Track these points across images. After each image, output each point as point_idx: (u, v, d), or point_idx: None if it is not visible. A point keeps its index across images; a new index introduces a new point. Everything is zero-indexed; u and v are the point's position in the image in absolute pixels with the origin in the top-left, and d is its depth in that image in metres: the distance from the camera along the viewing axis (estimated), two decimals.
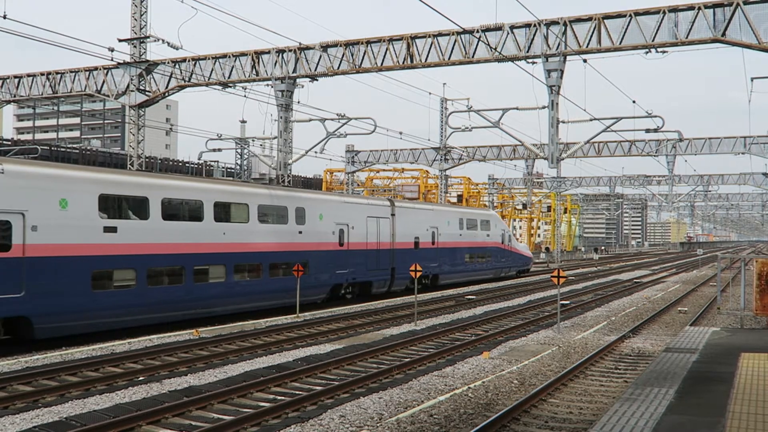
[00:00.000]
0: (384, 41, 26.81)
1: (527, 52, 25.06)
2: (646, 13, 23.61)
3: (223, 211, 21.69)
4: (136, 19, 29.31)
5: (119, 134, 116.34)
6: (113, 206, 18.39)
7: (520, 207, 70.22)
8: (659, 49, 23.66)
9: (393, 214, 30.78)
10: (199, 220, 20.78)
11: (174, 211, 20.02)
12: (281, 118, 29.22)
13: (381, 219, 29.77)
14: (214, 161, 38.06)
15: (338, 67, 27.53)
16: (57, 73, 32.66)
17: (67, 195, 17.10)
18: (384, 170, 59.52)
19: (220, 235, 21.33)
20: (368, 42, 27.09)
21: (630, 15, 23.75)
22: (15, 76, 33.69)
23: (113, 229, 18.14)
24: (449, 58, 25.97)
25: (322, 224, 26.01)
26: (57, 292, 16.66)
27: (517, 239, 47.48)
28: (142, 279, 18.77)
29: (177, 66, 29.93)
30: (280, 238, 23.88)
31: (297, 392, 12.43)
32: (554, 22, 24.79)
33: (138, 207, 18.99)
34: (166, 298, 19.55)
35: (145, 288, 18.85)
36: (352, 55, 27.27)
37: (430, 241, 33.71)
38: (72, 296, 17.06)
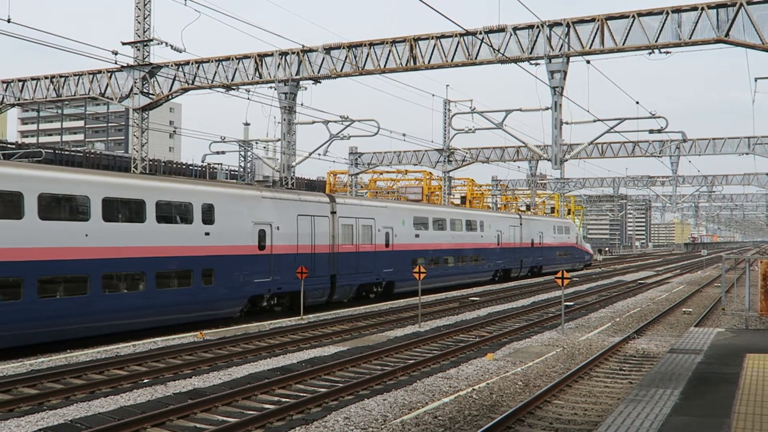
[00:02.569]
0: (387, 43, 26.82)
1: (530, 53, 25.06)
2: (650, 13, 23.59)
3: (462, 226, 37.36)
4: (139, 22, 29.38)
5: (123, 137, 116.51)
6: (417, 223, 32.42)
7: (523, 208, 70.19)
8: (662, 50, 23.63)
9: (521, 224, 44.91)
10: (443, 230, 35.28)
11: (437, 225, 34.65)
12: (284, 120, 29.25)
13: (515, 227, 43.94)
14: (218, 164, 38.11)
15: (341, 69, 27.55)
16: (61, 76, 32.75)
17: (404, 217, 31.30)
18: (387, 172, 59.51)
19: (450, 238, 35.83)
20: (371, 44, 27.10)
21: (633, 16, 23.73)
22: (19, 80, 33.79)
23: (418, 236, 32.35)
24: (452, 60, 25.97)
25: (490, 231, 40.35)
26: (401, 269, 30.33)
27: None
28: (426, 262, 32.56)
29: (180, 69, 29.98)
30: (475, 240, 38.64)
31: (301, 394, 12.43)
32: (557, 24, 24.78)
33: (424, 223, 33.21)
34: (437, 273, 33.85)
35: (428, 267, 30.19)
36: (355, 57, 27.29)
37: (539, 241, 48.07)
38: (405, 271, 29.97)
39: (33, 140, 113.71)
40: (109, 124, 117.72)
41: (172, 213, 19.98)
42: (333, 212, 26.39)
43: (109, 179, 18.51)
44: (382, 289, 29.71)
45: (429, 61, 26.23)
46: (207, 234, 20.68)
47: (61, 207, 17.06)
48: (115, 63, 25.93)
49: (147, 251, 18.82)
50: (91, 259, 17.32)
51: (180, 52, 27.72)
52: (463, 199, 61.34)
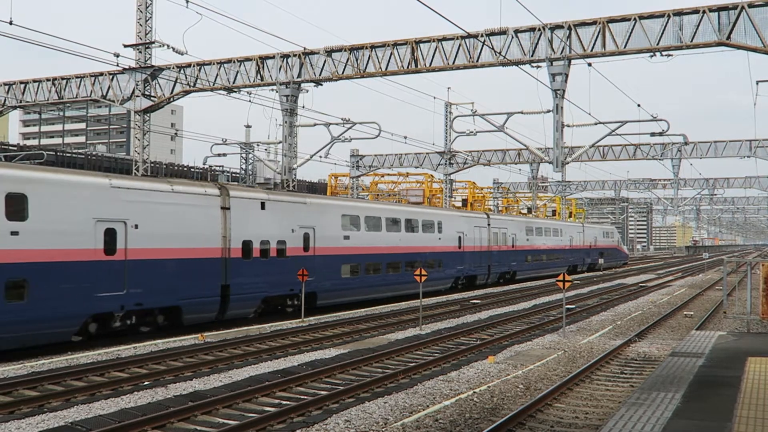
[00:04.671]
0: (388, 46, 26.84)
1: (532, 56, 25.06)
2: (651, 16, 23.60)
3: (551, 232, 50.88)
4: (141, 25, 29.41)
5: (124, 139, 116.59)
6: (528, 230, 45.12)
7: (525, 211, 70.17)
8: (664, 53, 23.63)
9: (583, 230, 59.03)
10: (541, 236, 47.81)
11: (538, 232, 47.19)
12: (286, 122, 29.27)
13: (580, 232, 58.03)
14: (219, 166, 38.12)
15: (342, 72, 27.57)
16: (63, 78, 32.79)
17: (521, 227, 44.22)
18: (389, 174, 59.56)
19: (544, 241, 48.83)
20: (373, 47, 27.12)
21: (635, 19, 23.74)
22: (21, 82, 33.83)
23: (528, 240, 44.82)
24: (454, 63, 25.99)
25: (565, 236, 53.89)
26: (520, 262, 43.45)
27: None
28: (533, 258, 46.01)
29: (182, 71, 30.02)
30: (557, 243, 51.50)
31: (302, 397, 12.41)
32: (559, 26, 24.80)
33: (531, 230, 45.85)
34: (537, 266, 47.19)
35: (532, 262, 45.67)
36: (357, 59, 27.31)
37: (594, 244, 61.87)
38: (523, 264, 44.08)
39: (35, 142, 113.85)
40: (111, 126, 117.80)
41: (427, 227, 32.83)
42: (488, 224, 39.35)
43: (408, 209, 32.52)
44: (510, 276, 42.38)
45: (430, 64, 26.24)
46: (439, 239, 33.73)
47: (391, 224, 30.13)
48: (117, 65, 25.94)
49: (419, 249, 31.99)
50: (403, 253, 30.59)
51: (182, 54, 27.75)
52: (465, 201, 61.30)
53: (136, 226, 18.24)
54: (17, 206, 15.64)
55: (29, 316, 15.75)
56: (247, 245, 21.84)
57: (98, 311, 17.42)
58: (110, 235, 17.65)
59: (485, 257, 38.54)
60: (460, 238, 35.58)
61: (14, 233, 15.54)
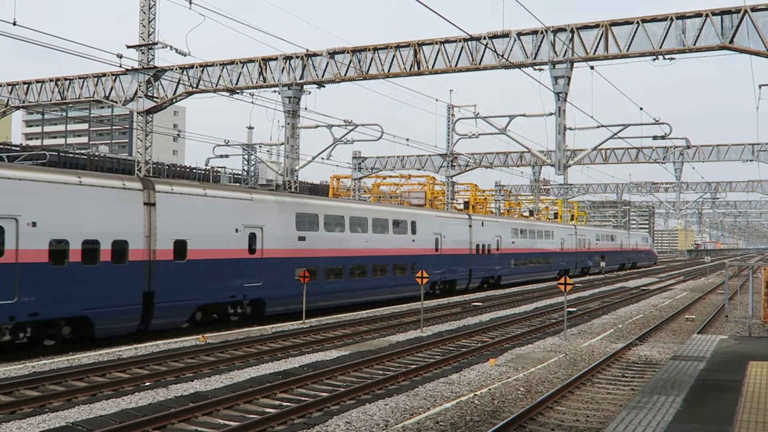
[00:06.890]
0: (391, 48, 26.86)
1: (534, 58, 25.04)
2: (654, 20, 23.57)
3: (612, 237, 69.60)
4: (144, 26, 29.45)
5: (127, 140, 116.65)
6: (597, 236, 63.11)
7: (527, 214, 70.11)
8: (667, 56, 23.59)
9: (629, 236, 74.44)
10: (607, 241, 67.34)
11: (604, 237, 65.59)
12: (288, 124, 29.28)
13: (627, 237, 73.64)
14: (221, 167, 38.15)
15: (345, 74, 27.57)
16: (66, 79, 32.83)
17: (593, 234, 62.21)
18: (391, 177, 59.52)
19: (606, 244, 67.01)
20: (375, 48, 27.13)
21: (637, 22, 23.72)
22: (24, 82, 33.87)
23: (597, 243, 63.04)
24: (456, 65, 25.97)
25: (618, 240, 70.05)
26: (593, 260, 61.79)
27: None
28: (600, 257, 63.34)
29: (185, 72, 30.04)
30: (615, 246, 69.60)
31: (303, 398, 12.42)
32: (561, 29, 24.79)
33: (600, 237, 64.07)
34: (598, 263, 63.54)
35: (599, 260, 63.69)
36: (359, 61, 27.32)
37: (635, 246, 78.07)
38: (592, 262, 61.58)
39: (37, 143, 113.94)
40: (113, 127, 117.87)
41: (547, 235, 49.02)
42: (576, 233, 55.85)
43: (537, 223, 47.33)
44: (586, 270, 58.35)
45: (433, 66, 26.23)
46: (552, 242, 50.23)
47: (529, 233, 45.90)
48: (120, 66, 25.95)
49: (543, 249, 47.68)
50: (535, 252, 46.60)
51: (184, 55, 27.75)
52: (466, 204, 61.25)
53: (444, 236, 34.17)
54: (413, 227, 31.58)
55: (412, 281, 29.32)
56: (477, 246, 38.11)
57: (433, 281, 32.79)
58: (436, 241, 33.56)
59: (574, 256, 54.95)
60: (561, 242, 51.89)
61: (413, 240, 31.40)
